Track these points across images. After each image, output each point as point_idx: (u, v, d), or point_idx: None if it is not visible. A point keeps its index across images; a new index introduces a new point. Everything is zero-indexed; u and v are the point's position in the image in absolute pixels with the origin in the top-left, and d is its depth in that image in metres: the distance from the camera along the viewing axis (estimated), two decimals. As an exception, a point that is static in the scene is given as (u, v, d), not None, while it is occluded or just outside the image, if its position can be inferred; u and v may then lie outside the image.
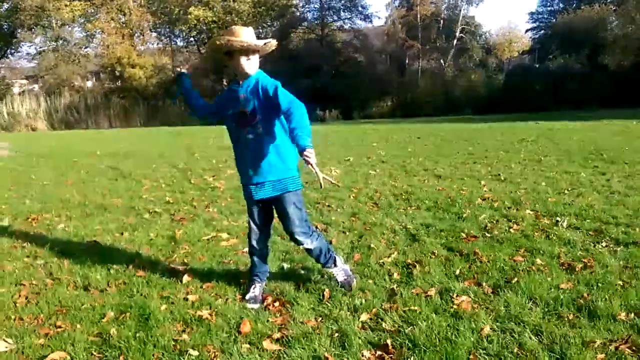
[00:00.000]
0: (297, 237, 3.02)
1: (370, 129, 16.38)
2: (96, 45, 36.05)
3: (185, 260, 3.77)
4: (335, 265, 3.19)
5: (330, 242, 4.09)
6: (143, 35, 35.99)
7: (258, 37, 2.85)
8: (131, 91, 32.45)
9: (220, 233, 4.44)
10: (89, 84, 38.63)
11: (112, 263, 3.78)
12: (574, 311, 2.78)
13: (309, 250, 3.11)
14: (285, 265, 3.61)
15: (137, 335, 2.67)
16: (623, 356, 2.34)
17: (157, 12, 34.90)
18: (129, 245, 4.20)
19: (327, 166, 8.01)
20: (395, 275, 3.39)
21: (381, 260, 3.68)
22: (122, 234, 4.54)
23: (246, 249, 3.92)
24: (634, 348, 2.40)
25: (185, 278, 3.39)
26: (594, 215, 4.62)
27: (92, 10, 34.87)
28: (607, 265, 3.39)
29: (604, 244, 3.84)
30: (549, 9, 50.19)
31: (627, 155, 8.13)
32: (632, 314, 2.71)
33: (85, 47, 36.21)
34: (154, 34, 37.60)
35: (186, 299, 3.09)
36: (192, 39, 37.69)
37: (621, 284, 3.09)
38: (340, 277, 3.18)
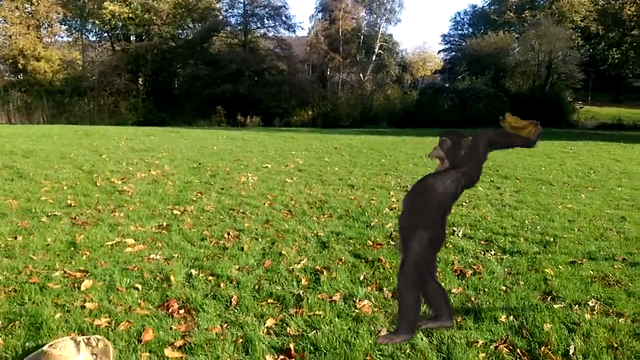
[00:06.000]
0: None
1: (290, 137, 16.52)
2: (-3, 35, 32.95)
3: (85, 267, 3.59)
4: None
5: (242, 249, 4.11)
6: (51, 27, 33.42)
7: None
8: (34, 85, 29.88)
9: (126, 239, 4.27)
10: (-15, 75, 35.13)
11: (2, 269, 3.50)
12: (462, 314, 3.04)
13: None
14: (194, 272, 3.56)
15: (26, 345, 2.51)
16: (501, 355, 2.60)
17: (68, 4, 32.64)
18: (22, 251, 3.91)
19: (244, 172, 7.98)
20: (304, 281, 3.48)
21: (291, 267, 3.75)
22: (15, 237, 4.21)
23: (153, 256, 3.84)
24: (511, 347, 2.68)
25: (84, 285, 3.24)
26: (486, 226, 5.05)
27: (-6, -3, 31.91)
28: (494, 272, 3.74)
29: (492, 252, 4.23)
30: (459, 32, 54.07)
31: (519, 171, 8.96)
32: (511, 317, 3.02)
33: (-16, 37, 32.94)
34: (64, 27, 35.10)
35: (83, 307, 2.95)
36: (105, 34, 35.72)
37: (504, 289, 3.42)
38: None
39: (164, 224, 4.79)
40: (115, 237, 4.29)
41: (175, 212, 5.29)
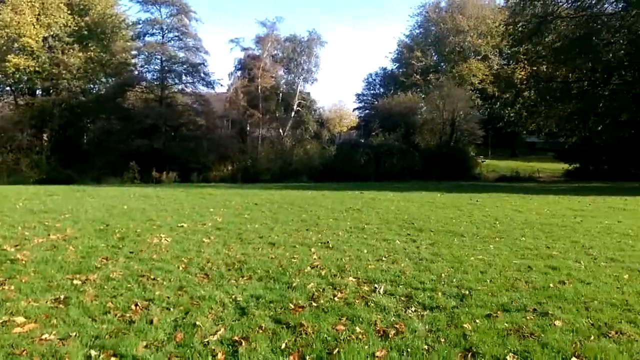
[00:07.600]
0: None
1: (208, 193, 16.10)
2: None
3: (-40, 356, 3.06)
4: None
5: (151, 322, 3.76)
6: (-55, 79, 30.75)
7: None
8: None
9: (15, 317, 3.75)
10: None
11: None
12: (386, 378, 2.95)
13: None
14: (93, 353, 3.17)
15: None
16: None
17: (-33, 56, 30.37)
18: None
19: (156, 233, 7.53)
20: (220, 356, 3.22)
21: (206, 339, 3.48)
22: None
23: (46, 335, 3.40)
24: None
25: (-44, 380, 2.74)
26: (405, 281, 5.09)
27: None
28: (415, 330, 3.71)
29: (413, 308, 4.23)
30: (372, 92, 57.60)
31: (432, 223, 9.32)
32: (435, 377, 2.98)
33: None
34: (-39, 79, 32.39)
35: (-48, 409, 2.47)
36: (8, 88, 33.45)
37: (426, 348, 3.39)
38: None
39: (62, 296, 4.30)
40: (2, 316, 3.75)
41: (75, 282, 4.79)
